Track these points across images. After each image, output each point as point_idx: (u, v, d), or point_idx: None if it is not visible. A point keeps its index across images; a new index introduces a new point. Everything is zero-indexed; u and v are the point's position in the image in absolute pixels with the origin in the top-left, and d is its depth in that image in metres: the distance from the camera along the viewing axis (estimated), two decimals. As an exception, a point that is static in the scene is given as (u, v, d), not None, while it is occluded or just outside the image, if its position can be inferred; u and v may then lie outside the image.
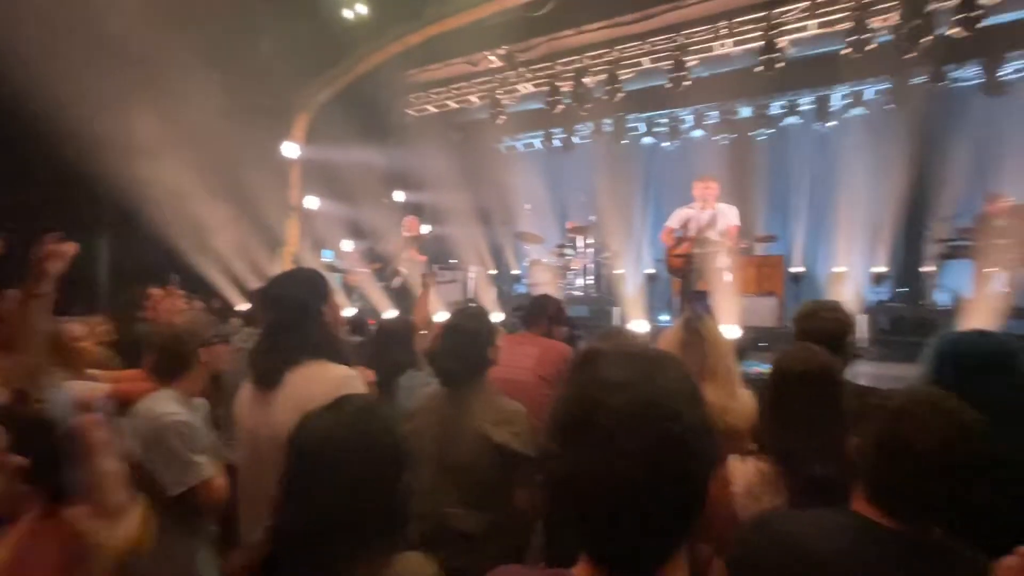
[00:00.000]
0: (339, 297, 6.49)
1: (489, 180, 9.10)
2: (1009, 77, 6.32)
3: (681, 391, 0.59)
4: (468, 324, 1.70)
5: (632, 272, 9.19)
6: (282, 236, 7.63)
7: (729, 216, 5.29)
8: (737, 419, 1.60)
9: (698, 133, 8.39)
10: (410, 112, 9.05)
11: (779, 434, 1.36)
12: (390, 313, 5.01)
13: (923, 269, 6.61)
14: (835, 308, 1.99)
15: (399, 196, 9.08)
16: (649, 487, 0.54)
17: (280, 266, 6.91)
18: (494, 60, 7.48)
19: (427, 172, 9.28)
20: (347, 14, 5.25)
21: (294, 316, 1.49)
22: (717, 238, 5.19)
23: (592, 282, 8.28)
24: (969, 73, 6.52)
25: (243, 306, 4.88)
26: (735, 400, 1.67)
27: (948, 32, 5.21)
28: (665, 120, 8.61)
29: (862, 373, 4.39)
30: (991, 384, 1.42)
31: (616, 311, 6.84)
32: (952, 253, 5.92)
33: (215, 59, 5.33)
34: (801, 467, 1.28)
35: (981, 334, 1.63)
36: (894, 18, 5.43)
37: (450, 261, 8.84)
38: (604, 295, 7.89)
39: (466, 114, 9.07)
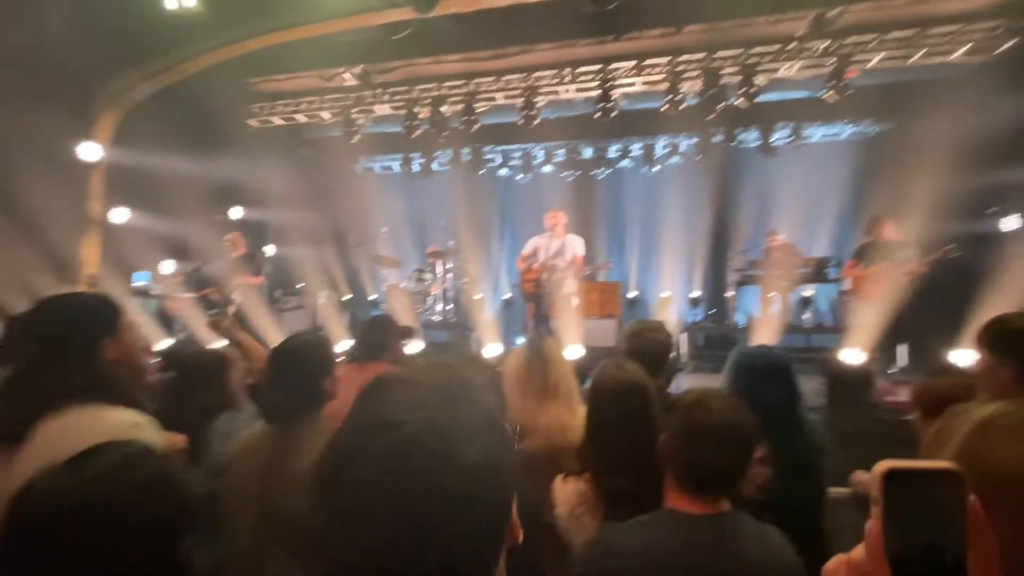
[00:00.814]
0: (152, 328, 5.53)
1: (343, 201, 8.67)
2: (778, 143, 8.00)
3: (469, 423, 0.49)
4: (300, 352, 1.51)
5: (490, 297, 9.44)
6: (76, 255, 6.27)
7: (576, 246, 5.78)
8: (576, 436, 1.62)
9: (548, 169, 9.05)
10: (252, 122, 8.25)
11: (593, 449, 1.43)
12: (218, 346, 4.37)
13: (727, 294, 7.92)
14: (657, 328, 2.21)
15: (237, 212, 8.15)
16: (420, 544, 0.44)
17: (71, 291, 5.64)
18: (349, 78, 7.23)
19: (272, 188, 8.49)
20: (169, 4, 4.61)
21: (58, 351, 1.18)
22: (565, 266, 5.62)
23: (451, 308, 8.28)
24: (752, 136, 8.11)
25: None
26: (574, 417, 1.71)
27: (736, 102, 6.43)
28: (519, 154, 9.14)
29: (684, 386, 5.01)
30: (772, 388, 1.72)
31: (475, 336, 6.92)
32: (745, 280, 7.18)
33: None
34: (609, 481, 1.36)
35: (764, 348, 1.97)
36: (698, 85, 6.53)
37: (297, 286, 8.14)
38: (463, 320, 7.93)
39: (318, 130, 8.57)
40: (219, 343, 4.76)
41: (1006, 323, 1.36)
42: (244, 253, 6.40)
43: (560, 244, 5.77)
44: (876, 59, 6.22)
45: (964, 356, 3.03)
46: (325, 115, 7.99)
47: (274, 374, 1.48)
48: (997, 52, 6.02)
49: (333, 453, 0.49)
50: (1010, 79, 5.96)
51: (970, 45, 5.99)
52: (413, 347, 4.20)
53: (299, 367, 1.46)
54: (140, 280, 6.86)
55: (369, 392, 0.53)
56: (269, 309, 6.96)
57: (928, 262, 4.91)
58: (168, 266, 6.74)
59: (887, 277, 4.94)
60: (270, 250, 8.25)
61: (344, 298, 8.60)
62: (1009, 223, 5.78)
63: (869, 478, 0.47)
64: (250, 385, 1.62)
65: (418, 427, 0.47)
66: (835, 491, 1.73)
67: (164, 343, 4.63)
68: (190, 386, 1.89)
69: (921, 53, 6.14)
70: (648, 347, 2.09)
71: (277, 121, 8.24)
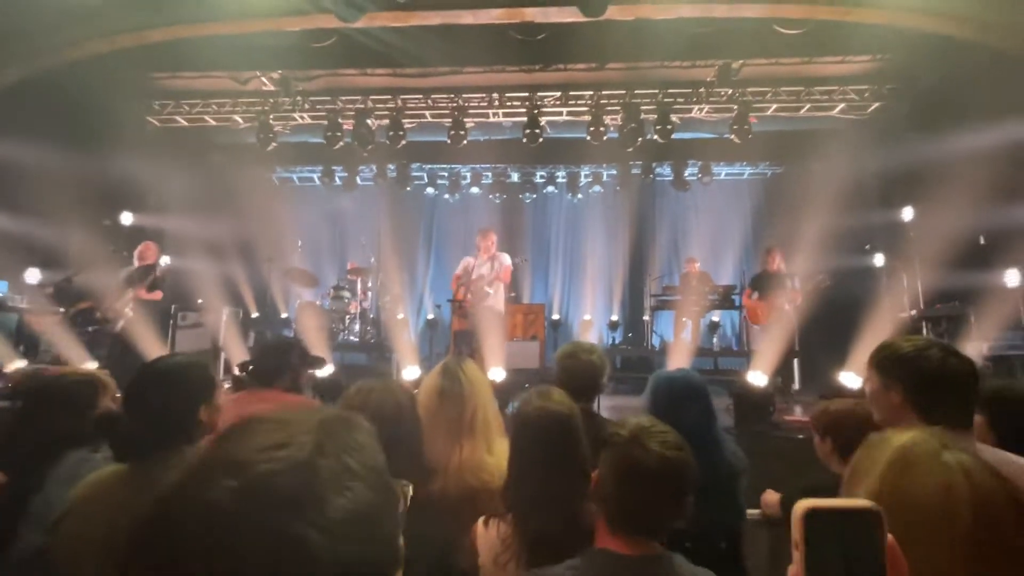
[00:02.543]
0: (5, 346, 4.71)
1: (255, 211, 8.06)
2: (689, 178, 8.61)
3: (341, 468, 0.40)
4: (167, 375, 1.28)
5: (412, 318, 9.16)
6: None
7: (504, 260, 5.90)
8: (492, 475, 1.49)
9: (475, 190, 9.06)
10: (152, 120, 7.52)
11: (517, 487, 1.31)
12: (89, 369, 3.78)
13: (644, 318, 8.27)
14: (591, 350, 2.15)
15: (127, 218, 7.30)
16: None
17: None
18: (266, 82, 6.82)
19: (172, 193, 7.73)
20: (52, -19, 4.07)
21: None
22: (494, 281, 5.68)
23: (371, 328, 7.91)
24: (667, 170, 8.66)
25: None
26: (492, 454, 1.57)
27: (653, 137, 6.84)
28: (446, 174, 9.08)
29: (603, 406, 5.09)
30: (689, 410, 1.72)
31: (394, 358, 6.62)
32: (661, 305, 7.54)
33: None
34: (532, 523, 1.25)
35: (681, 372, 1.96)
36: (619, 119, 6.88)
37: (198, 301, 7.37)
38: (383, 341, 7.59)
39: (229, 134, 7.98)
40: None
41: (894, 347, 1.41)
42: (147, 264, 5.69)
43: (490, 263, 5.84)
44: (771, 109, 6.94)
45: (851, 378, 3.33)
46: (238, 119, 7.47)
47: (133, 402, 1.23)
48: (868, 112, 6.95)
49: (154, 508, 0.38)
50: (878, 136, 6.91)
51: (843, 105, 6.88)
52: (324, 371, 3.90)
53: (166, 393, 1.23)
54: (-4, 290, 5.87)
55: (223, 436, 0.42)
56: (163, 327, 6.23)
57: (804, 291, 5.45)
58: (33, 275, 5.83)
59: (775, 306, 5.42)
60: (164, 261, 7.45)
61: (252, 316, 7.92)
62: (878, 259, 6.58)
63: (775, 503, 0.46)
64: (101, 415, 1.30)
65: (270, 467, 0.38)
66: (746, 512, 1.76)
67: (16, 364, 3.93)
68: (35, 415, 1.53)
69: (807, 107, 6.94)
70: (582, 370, 2.03)
71: (182, 121, 7.57)
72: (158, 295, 5.70)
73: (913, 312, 5.38)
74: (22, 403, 1.74)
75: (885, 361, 1.42)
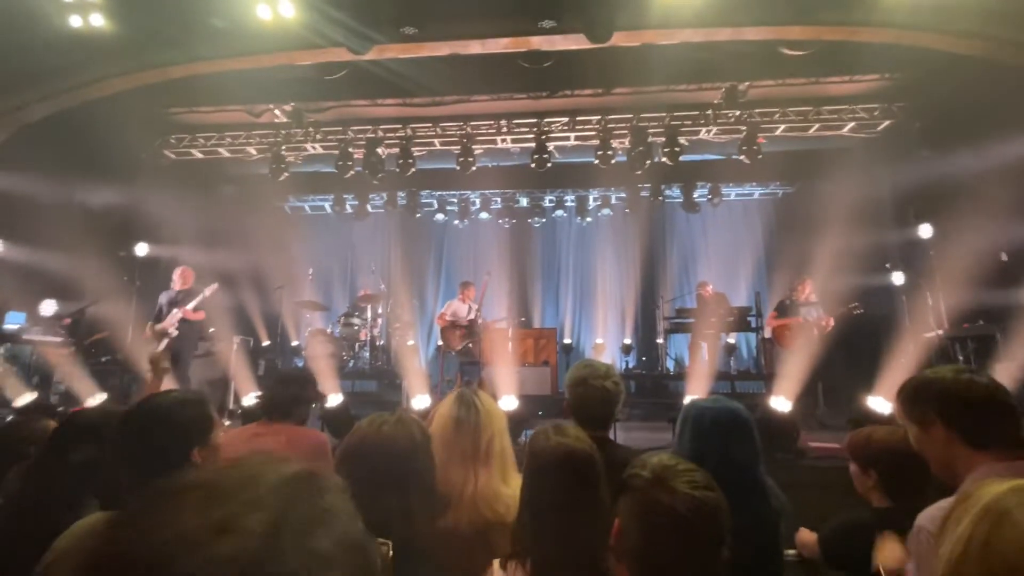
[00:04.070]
0: (17, 378, 4.71)
1: (267, 240, 8.15)
2: (699, 199, 8.57)
3: (312, 549, 0.31)
4: (158, 416, 1.20)
5: (423, 344, 9.09)
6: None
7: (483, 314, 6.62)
8: (507, 508, 1.40)
9: (485, 216, 9.10)
10: (168, 154, 7.69)
11: (533, 535, 1.19)
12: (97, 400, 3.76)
13: (657, 341, 8.12)
14: (606, 374, 1.91)
15: (142, 249, 7.40)
16: None
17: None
18: (279, 114, 6.97)
19: (186, 224, 7.85)
20: (74, 22, 4.20)
21: None
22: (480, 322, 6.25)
23: (381, 354, 7.85)
24: (676, 192, 8.63)
25: None
26: (507, 485, 1.49)
27: (661, 160, 6.84)
28: (455, 200, 9.14)
29: (618, 435, 4.92)
30: (738, 450, 1.53)
31: (404, 385, 6.54)
32: (675, 328, 7.40)
33: None
34: (553, 571, 1.13)
35: (724, 404, 1.68)
36: (627, 142, 6.90)
37: (209, 330, 7.40)
38: (393, 368, 7.51)
39: (242, 166, 8.13)
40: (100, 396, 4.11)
41: (911, 381, 1.33)
42: (188, 287, 5.74)
43: (475, 308, 6.48)
44: (780, 129, 6.92)
45: (880, 402, 3.18)
46: (251, 150, 7.62)
47: (122, 445, 1.15)
48: (878, 130, 6.90)
49: None
50: (890, 154, 6.84)
51: (853, 123, 6.84)
52: (332, 400, 3.83)
53: (156, 435, 1.16)
54: (13, 322, 5.92)
55: (151, 504, 0.32)
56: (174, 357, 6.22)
57: (836, 317, 5.34)
58: (49, 306, 5.88)
59: (803, 330, 5.29)
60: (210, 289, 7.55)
61: (263, 344, 7.92)
62: (898, 278, 6.42)
63: (812, 543, 0.37)
64: (82, 462, 1.19)
65: (207, 570, 0.28)
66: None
67: (26, 397, 3.91)
68: (64, 450, 1.43)
69: (816, 127, 6.91)
70: (596, 397, 1.83)
71: (197, 154, 7.74)
72: (201, 315, 5.74)
73: (940, 332, 5.20)
74: (59, 438, 1.65)
75: (910, 397, 1.33)
